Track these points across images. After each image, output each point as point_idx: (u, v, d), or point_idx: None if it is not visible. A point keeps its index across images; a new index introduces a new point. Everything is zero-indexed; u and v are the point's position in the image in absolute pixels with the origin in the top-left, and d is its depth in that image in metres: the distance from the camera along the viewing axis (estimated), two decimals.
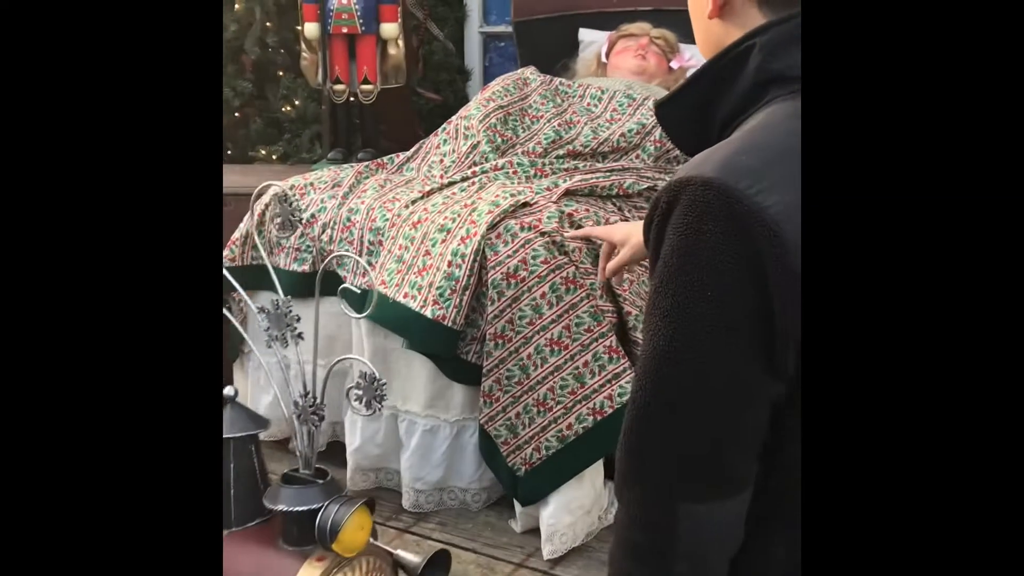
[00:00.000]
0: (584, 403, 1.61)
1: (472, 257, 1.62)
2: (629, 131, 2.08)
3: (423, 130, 3.18)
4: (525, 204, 1.70)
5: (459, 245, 1.64)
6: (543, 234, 1.64)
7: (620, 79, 2.40)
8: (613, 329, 1.64)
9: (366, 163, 2.01)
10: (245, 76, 2.99)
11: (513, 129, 2.05)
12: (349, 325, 1.86)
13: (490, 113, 2.01)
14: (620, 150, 2.07)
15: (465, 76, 3.19)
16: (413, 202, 1.80)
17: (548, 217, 1.68)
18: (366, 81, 2.64)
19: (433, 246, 1.69)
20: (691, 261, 0.67)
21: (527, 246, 1.63)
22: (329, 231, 1.84)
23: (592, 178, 1.83)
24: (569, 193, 1.79)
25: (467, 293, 1.62)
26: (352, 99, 2.61)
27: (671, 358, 0.69)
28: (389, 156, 2.08)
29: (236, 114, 3.01)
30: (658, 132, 2.09)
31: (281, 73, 3.07)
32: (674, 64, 2.54)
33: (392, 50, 2.72)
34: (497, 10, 3.19)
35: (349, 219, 1.83)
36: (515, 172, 1.89)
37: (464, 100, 3.14)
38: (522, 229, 1.65)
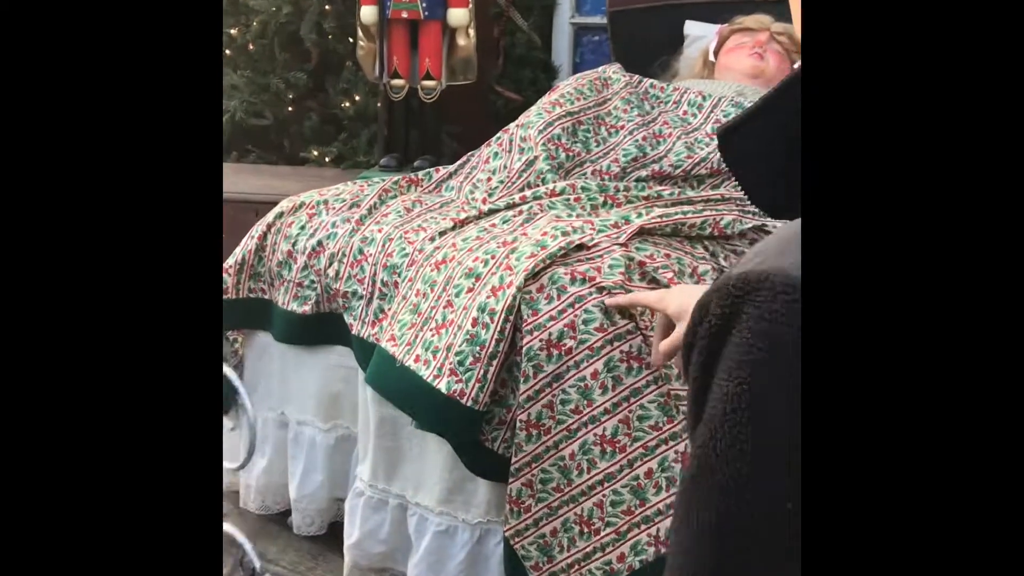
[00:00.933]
0: (644, 528, 1.17)
1: (503, 315, 1.20)
2: None
3: None
4: (581, 246, 1.27)
5: (488, 298, 1.22)
6: (601, 289, 1.21)
7: (729, 83, 1.93)
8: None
9: (396, 179, 1.60)
10: (301, 66, 2.66)
11: (584, 142, 1.61)
12: (356, 381, 1.48)
13: (555, 121, 1.58)
14: (721, 174, 1.61)
15: (551, 73, 2.77)
16: (441, 234, 1.40)
17: (611, 266, 1.24)
18: (428, 76, 2.26)
19: (457, 296, 1.28)
20: (766, 405, 0.47)
21: (578, 305, 1.20)
22: (337, 264, 1.46)
23: (679, 212, 1.38)
24: (644, 232, 1.34)
25: (495, 363, 1.21)
26: (418, 96, 2.24)
27: (724, 538, 0.50)
28: (427, 171, 1.66)
29: (289, 108, 2.68)
30: None
31: (349, 64, 2.72)
32: (799, 67, 2.04)
33: (461, 40, 2.32)
34: None
35: (361, 251, 1.44)
36: (577, 199, 1.46)
37: None
38: (573, 281, 1.22)
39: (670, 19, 2.40)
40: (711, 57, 2.13)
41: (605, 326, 1.19)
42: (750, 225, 1.43)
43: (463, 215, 1.44)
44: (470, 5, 2.28)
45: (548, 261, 1.23)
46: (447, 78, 2.36)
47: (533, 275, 1.22)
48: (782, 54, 2.04)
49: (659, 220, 1.34)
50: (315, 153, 2.64)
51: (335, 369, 1.51)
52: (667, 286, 1.26)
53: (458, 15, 2.25)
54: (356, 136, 2.63)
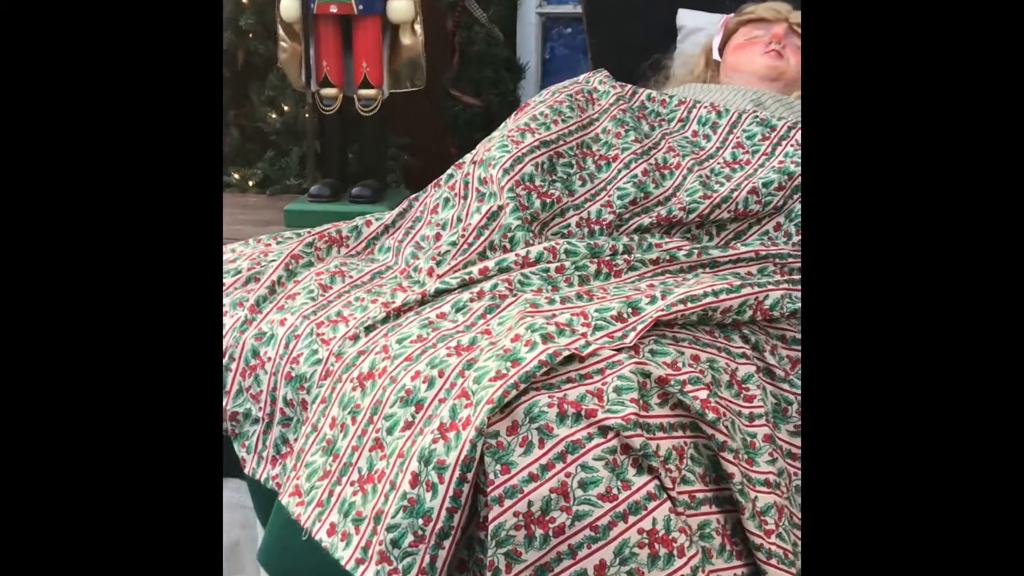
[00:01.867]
0: None
1: (458, 471, 0.79)
2: (766, 183, 1.20)
3: (456, 149, 2.35)
4: (572, 357, 0.85)
5: (436, 442, 0.81)
6: (605, 430, 0.80)
7: (743, 88, 1.52)
8: None
9: (310, 239, 1.16)
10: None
11: (565, 181, 1.19)
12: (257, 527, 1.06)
13: (525, 154, 1.16)
14: (749, 217, 1.20)
15: (517, 73, 2.35)
16: (368, 328, 0.97)
17: (617, 389, 0.83)
18: (366, 83, 1.83)
19: (389, 432, 0.86)
20: None
21: (572, 457, 0.79)
22: (223, 372, 1.03)
23: (705, 290, 0.97)
24: (660, 324, 0.93)
25: (447, 545, 0.79)
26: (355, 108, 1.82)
27: None
28: (354, 225, 1.23)
29: None
30: None
31: (278, 67, 2.27)
32: None
33: (406, 39, 1.89)
34: None
35: (255, 353, 1.01)
36: (560, 270, 1.04)
37: (513, 107, 2.30)
38: (562, 418, 0.80)
39: (659, 7, 1.98)
40: (715, 55, 1.71)
41: (614, 490, 0.78)
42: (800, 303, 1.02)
43: (400, 297, 1.01)
44: None
45: (523, 384, 0.81)
46: (390, 85, 1.93)
47: (502, 407, 0.80)
48: None
49: (681, 308, 0.93)
50: (236, 176, 2.19)
51: (232, 510, 1.09)
52: (701, 413, 0.85)
53: (400, 8, 1.81)
54: (285, 155, 2.18)
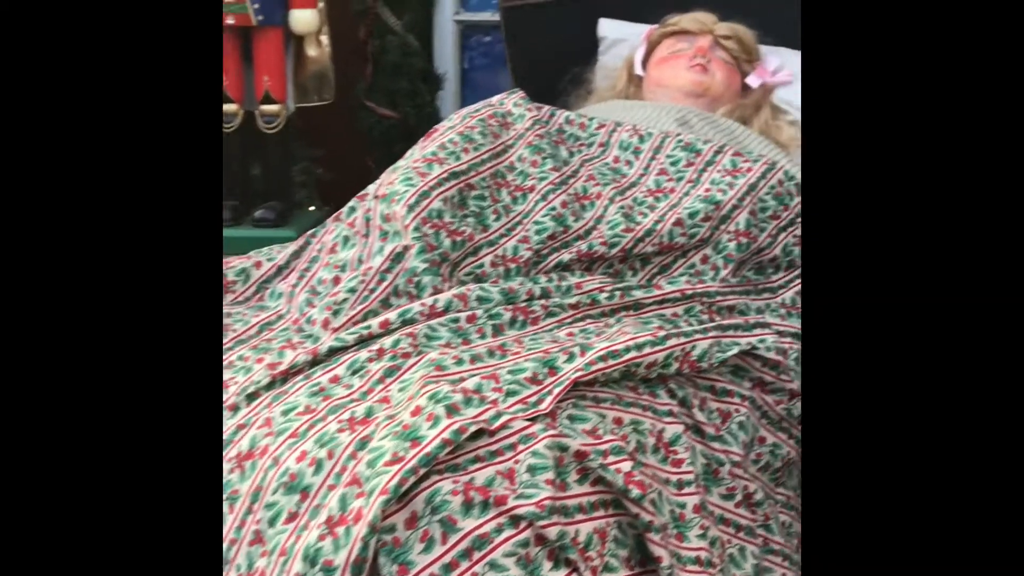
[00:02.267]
0: None
1: (349, 572, 0.68)
2: (692, 214, 1.12)
3: (374, 163, 2.23)
4: (481, 431, 0.76)
5: (323, 539, 0.70)
6: (515, 520, 0.70)
7: (667, 105, 1.45)
8: None
9: None
10: None
11: (477, 215, 1.09)
12: None
13: (433, 188, 1.05)
14: (675, 250, 1.12)
15: (434, 83, 2.23)
16: (251, 396, 0.86)
17: (531, 468, 0.73)
18: (268, 99, 1.70)
19: (271, 524, 0.75)
20: None
21: (478, 553, 0.69)
22: None
23: (624, 340, 0.88)
24: (581, 384, 0.84)
25: None
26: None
27: None
28: (242, 267, 1.10)
29: None
30: (745, 211, 1.14)
31: None
32: (753, 80, 1.57)
33: (311, 50, 1.77)
34: None
35: None
36: (472, 320, 0.94)
37: (431, 118, 2.19)
38: (468, 507, 0.71)
39: (580, 17, 1.89)
40: (638, 69, 1.63)
41: None
42: (734, 350, 0.94)
43: (288, 357, 0.90)
44: (319, 4, 1.73)
45: (424, 469, 0.71)
46: (296, 99, 1.81)
47: (399, 496, 0.70)
48: (730, 64, 1.56)
49: (602, 367, 0.84)
50: None
51: None
52: (624, 489, 0.76)
53: (304, 18, 1.70)
54: None
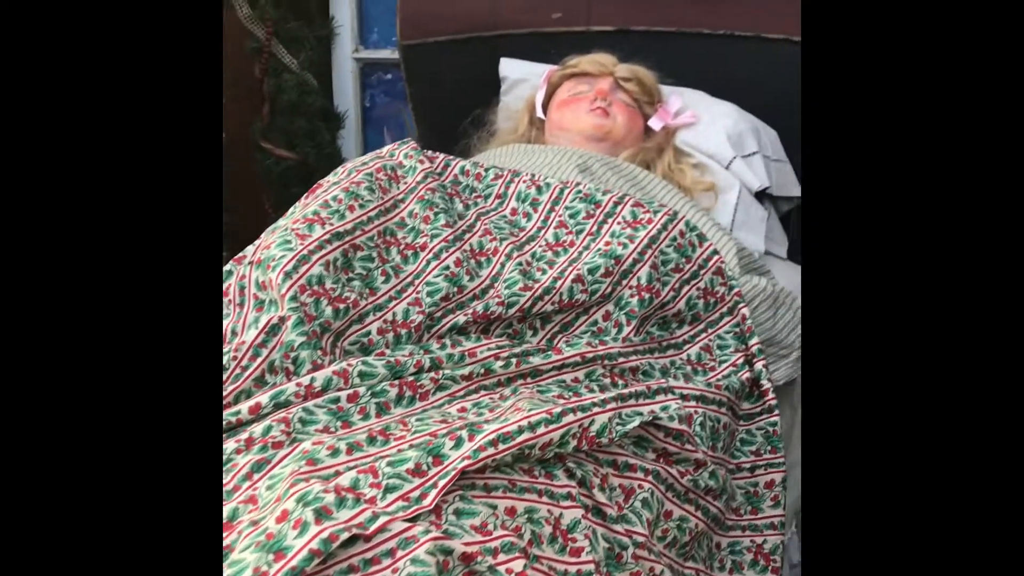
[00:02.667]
0: None
1: None
2: (592, 270, 1.07)
3: (272, 206, 2.14)
4: (354, 538, 0.68)
5: None
6: None
7: (568, 150, 1.40)
8: None
9: None
10: None
11: (364, 278, 1.02)
12: None
13: (313, 252, 0.98)
14: (576, 308, 1.07)
15: (334, 122, 2.16)
16: None
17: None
18: None
19: None
20: None
21: None
22: None
23: (517, 419, 0.81)
24: (470, 473, 0.77)
25: None
26: None
27: None
28: None
29: None
30: (647, 265, 1.09)
31: None
32: (655, 122, 1.54)
33: None
34: (380, 27, 2.17)
35: None
36: (353, 399, 0.87)
37: (332, 159, 2.11)
38: None
39: (480, 55, 1.85)
40: (539, 112, 1.59)
41: None
42: (635, 422, 0.89)
43: None
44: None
45: None
46: None
47: None
48: (632, 106, 1.53)
49: (492, 453, 0.77)
50: None
51: None
52: None
53: None
54: None
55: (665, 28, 1.65)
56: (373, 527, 0.69)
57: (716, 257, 1.16)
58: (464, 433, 0.79)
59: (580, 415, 0.85)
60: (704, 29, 1.62)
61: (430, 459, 0.76)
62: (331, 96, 2.17)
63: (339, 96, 2.17)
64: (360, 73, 2.18)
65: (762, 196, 1.54)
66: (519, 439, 0.79)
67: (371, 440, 0.80)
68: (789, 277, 1.45)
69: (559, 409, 0.84)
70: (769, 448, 1.09)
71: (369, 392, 0.88)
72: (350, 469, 0.75)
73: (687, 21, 1.65)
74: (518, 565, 0.71)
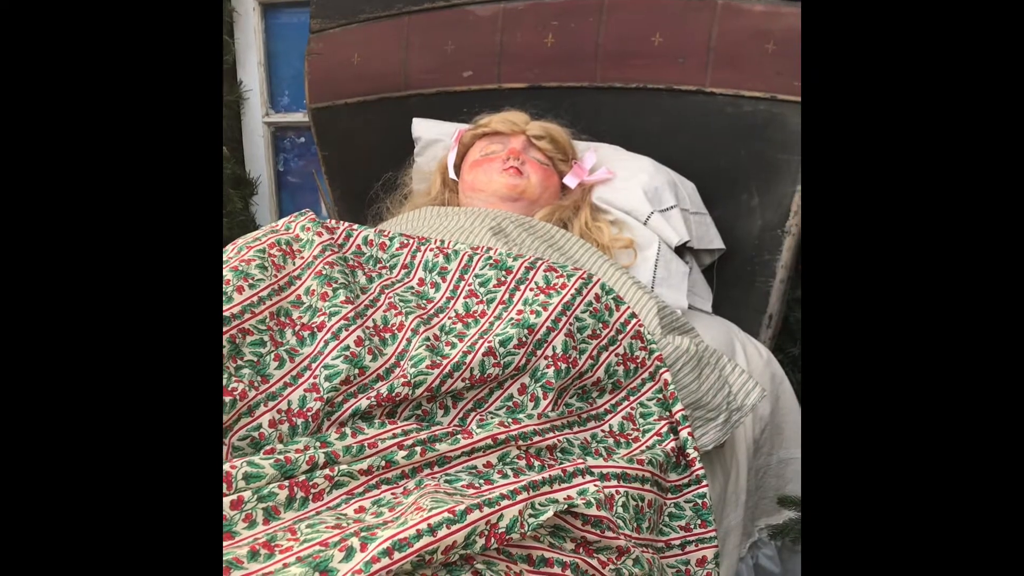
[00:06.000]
0: None
1: None
2: (504, 341, 1.01)
3: None
4: None
5: None
6: None
7: (481, 211, 1.35)
8: None
9: None
10: None
11: (255, 366, 0.94)
12: None
13: None
14: (488, 383, 1.00)
15: (247, 188, 2.09)
16: None
17: None
18: None
19: None
20: None
21: None
22: None
23: (415, 523, 0.74)
24: None
25: None
26: None
27: None
28: None
29: None
30: (562, 333, 1.04)
31: None
32: (570, 180, 1.50)
33: None
34: (291, 90, 2.11)
35: None
36: (236, 505, 0.78)
37: (245, 227, 2.03)
38: None
39: (391, 116, 1.80)
40: (451, 173, 1.54)
41: None
42: (549, 512, 0.82)
43: None
44: None
45: None
46: None
47: None
48: (546, 164, 1.49)
49: (387, 564, 0.69)
50: None
51: None
52: None
53: None
54: None
55: (577, 83, 1.62)
56: None
57: (634, 320, 1.11)
58: (356, 541, 0.71)
59: (487, 511, 0.78)
60: (616, 83, 1.60)
61: (316, 575, 0.68)
62: (243, 162, 2.09)
63: (251, 161, 2.10)
64: (272, 137, 2.12)
65: (683, 250, 1.51)
66: (418, 545, 0.72)
67: (253, 555, 0.72)
68: (715, 332, 1.41)
69: (463, 507, 0.77)
70: (699, 522, 1.03)
71: (255, 496, 0.79)
72: None
73: (599, 76, 1.62)
74: None
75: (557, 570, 0.82)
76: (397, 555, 0.70)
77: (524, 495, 0.82)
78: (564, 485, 0.88)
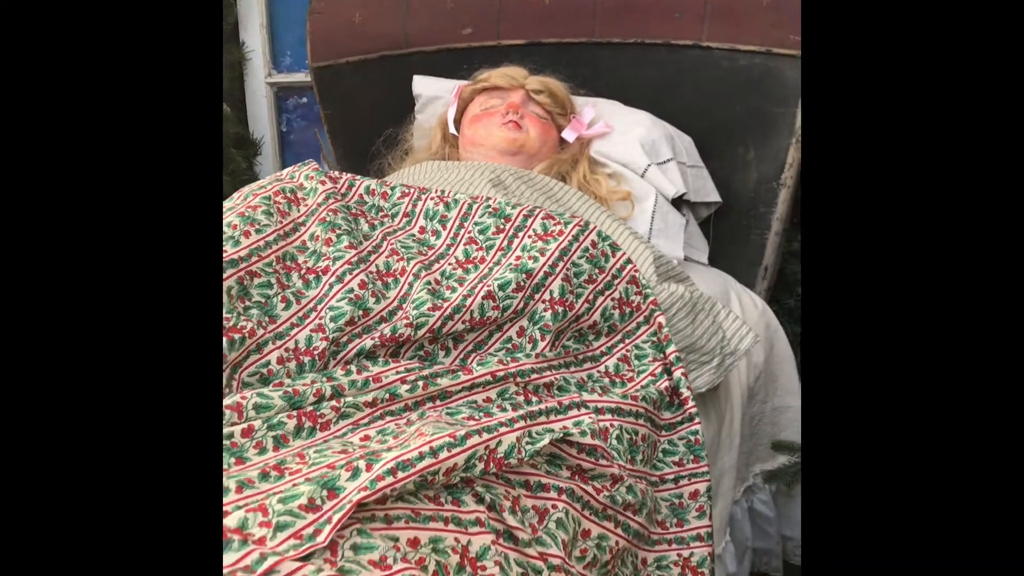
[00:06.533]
0: None
1: None
2: (503, 285, 1.05)
3: None
4: None
5: None
6: None
7: (481, 165, 1.38)
8: None
9: None
10: None
11: (263, 306, 0.98)
12: None
13: None
14: (487, 325, 1.04)
15: (250, 149, 2.11)
16: None
17: None
18: None
19: None
20: None
21: None
22: None
23: (418, 445, 0.78)
24: (369, 504, 0.73)
25: None
26: None
27: None
28: None
29: None
30: (559, 277, 1.07)
31: None
32: (568, 133, 1.53)
33: None
34: (293, 50, 2.13)
35: None
36: (247, 433, 0.82)
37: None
38: None
39: (393, 74, 1.82)
40: (452, 128, 1.57)
41: None
42: (545, 440, 0.86)
43: None
44: None
45: None
46: None
47: None
48: (545, 118, 1.52)
49: (391, 482, 0.73)
50: None
51: None
52: None
53: None
54: None
55: (575, 39, 1.64)
56: (261, 569, 0.64)
57: (630, 266, 1.14)
58: (362, 463, 0.75)
59: (486, 436, 0.81)
60: (614, 39, 1.62)
61: (324, 493, 0.72)
62: (246, 122, 2.12)
63: (255, 122, 2.12)
64: (275, 98, 2.14)
65: (680, 202, 1.54)
66: (420, 465, 0.75)
67: (264, 476, 0.76)
68: (711, 282, 1.44)
69: (463, 432, 0.80)
70: (692, 458, 1.06)
71: (265, 425, 0.83)
72: (238, 508, 0.70)
73: (596, 31, 1.64)
74: None
75: (553, 495, 0.86)
76: (401, 474, 0.74)
77: (522, 424, 0.86)
78: (560, 416, 0.92)
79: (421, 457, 0.76)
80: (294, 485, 0.74)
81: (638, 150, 1.48)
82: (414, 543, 0.73)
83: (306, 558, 0.67)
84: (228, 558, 0.65)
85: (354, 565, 0.68)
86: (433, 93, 1.73)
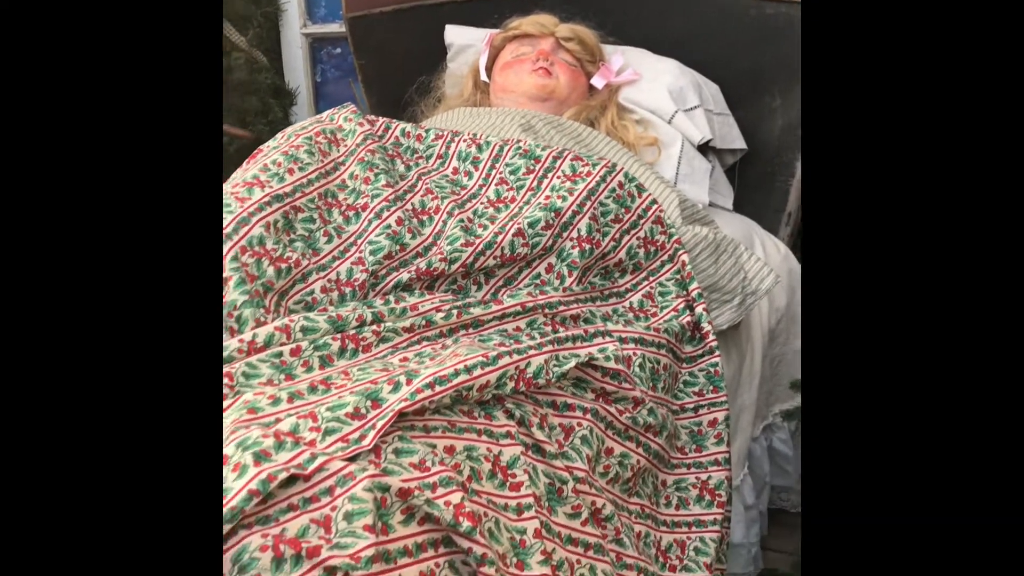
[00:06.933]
0: None
1: None
2: (532, 223, 1.10)
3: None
4: (293, 478, 0.70)
5: None
6: (331, 571, 0.66)
7: (512, 111, 1.42)
8: None
9: None
10: None
11: (307, 240, 1.04)
12: None
13: (253, 214, 0.99)
14: (518, 261, 1.09)
15: (286, 99, 2.16)
16: None
17: (348, 515, 0.69)
18: None
19: None
20: None
21: None
22: None
23: (453, 363, 0.84)
24: (410, 414, 0.80)
25: None
26: None
27: None
28: None
29: None
30: (586, 216, 1.12)
31: None
32: (597, 80, 1.56)
33: None
34: (328, 1, 2.17)
35: None
36: (296, 352, 0.89)
37: None
38: (279, 563, 0.66)
39: (425, 24, 1.86)
40: (483, 75, 1.61)
41: None
42: (571, 363, 0.92)
43: None
44: None
45: (230, 524, 0.66)
46: None
47: None
48: (574, 65, 1.55)
49: (429, 394, 0.79)
50: None
51: None
52: (453, 524, 0.72)
53: None
54: None
55: None
56: (312, 467, 0.71)
57: (655, 207, 1.19)
58: (402, 378, 0.81)
59: (516, 357, 0.87)
60: None
61: (368, 403, 0.78)
62: (282, 73, 2.17)
63: (290, 72, 2.17)
64: (310, 48, 2.18)
65: (706, 149, 1.57)
66: (456, 381, 0.82)
67: (312, 389, 0.83)
68: (735, 227, 1.48)
69: (495, 352, 0.86)
70: (711, 388, 1.12)
71: (311, 346, 0.90)
72: (290, 416, 0.77)
73: None
74: (456, 497, 0.73)
75: (578, 414, 0.92)
76: (438, 388, 0.80)
77: (550, 348, 0.91)
78: (586, 343, 0.98)
79: (456, 373, 0.82)
80: (340, 397, 0.80)
81: (666, 97, 1.51)
82: (450, 450, 0.80)
83: (352, 459, 0.73)
84: (282, 456, 0.71)
85: (396, 466, 0.74)
86: (465, 42, 1.76)
